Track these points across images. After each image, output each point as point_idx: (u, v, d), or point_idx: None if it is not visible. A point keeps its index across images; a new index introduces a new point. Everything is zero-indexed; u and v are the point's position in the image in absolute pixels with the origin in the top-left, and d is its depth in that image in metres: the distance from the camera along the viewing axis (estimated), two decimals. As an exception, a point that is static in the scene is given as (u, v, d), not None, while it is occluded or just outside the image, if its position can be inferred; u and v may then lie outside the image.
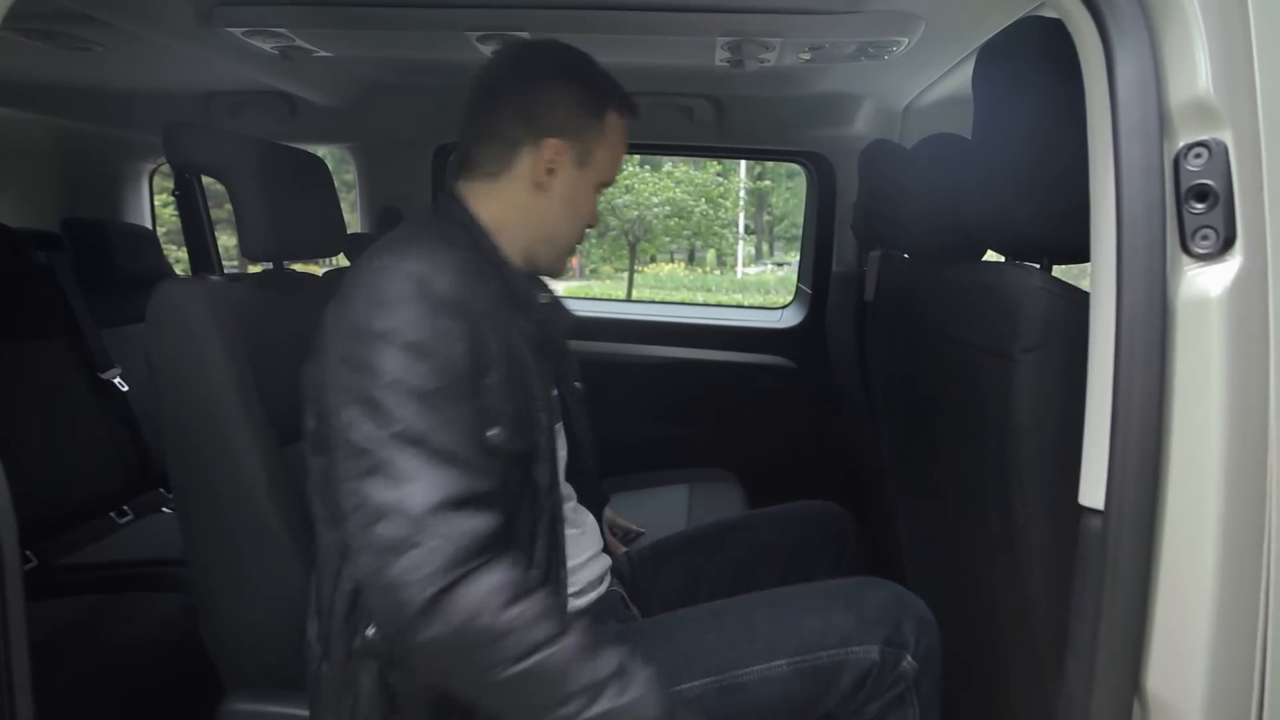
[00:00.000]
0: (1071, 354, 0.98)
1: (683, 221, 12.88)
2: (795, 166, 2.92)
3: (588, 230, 1.32)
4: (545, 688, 0.96)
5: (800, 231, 3.14)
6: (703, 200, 12.74)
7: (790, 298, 3.12)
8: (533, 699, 0.97)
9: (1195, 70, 0.84)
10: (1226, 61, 0.84)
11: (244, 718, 1.19)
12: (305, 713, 1.17)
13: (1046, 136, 1.07)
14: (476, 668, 0.96)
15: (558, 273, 1.32)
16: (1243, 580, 0.84)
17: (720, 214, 13.46)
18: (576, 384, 1.41)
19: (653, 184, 12.30)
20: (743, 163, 12.88)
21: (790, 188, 14.27)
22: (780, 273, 14.77)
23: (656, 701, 1.00)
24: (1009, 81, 1.14)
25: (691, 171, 12.66)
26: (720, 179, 13.05)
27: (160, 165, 3.03)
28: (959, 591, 1.39)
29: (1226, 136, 0.84)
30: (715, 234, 14.01)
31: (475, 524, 0.97)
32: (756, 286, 14.10)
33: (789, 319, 3.01)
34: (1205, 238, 0.84)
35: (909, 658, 1.20)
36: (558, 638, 0.97)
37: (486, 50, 1.90)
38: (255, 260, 1.30)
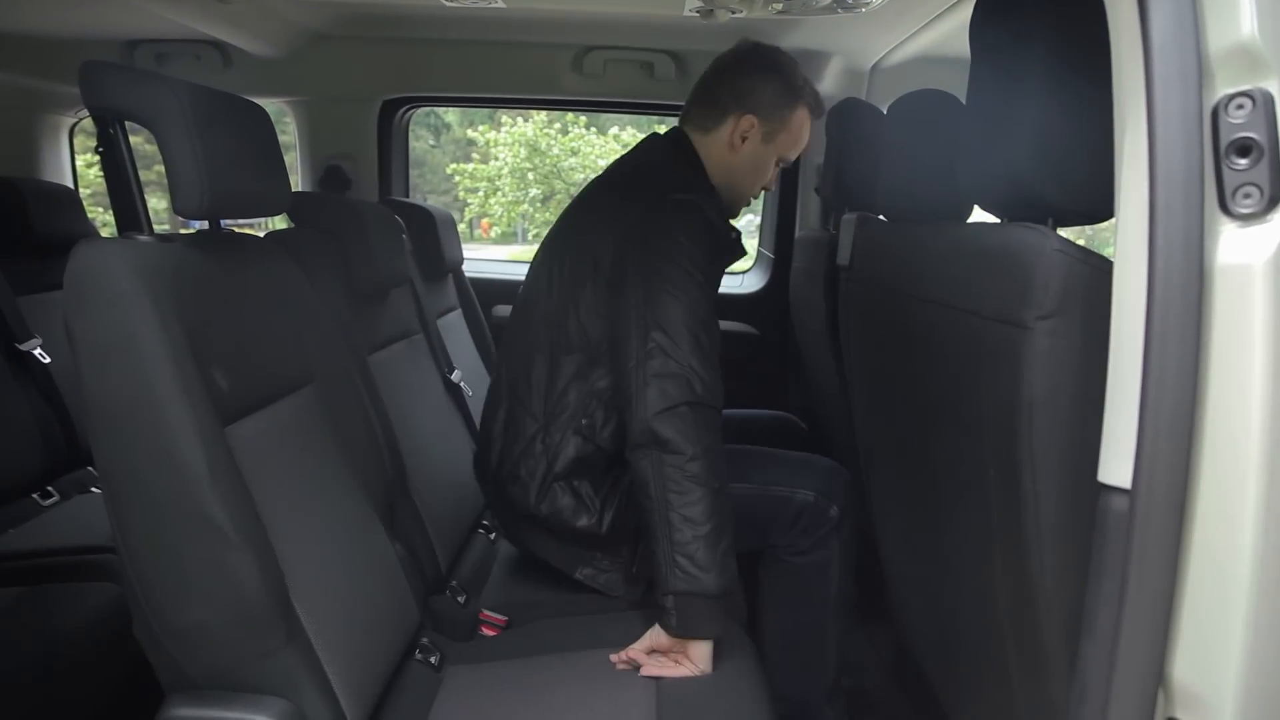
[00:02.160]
0: (1089, 322, 0.92)
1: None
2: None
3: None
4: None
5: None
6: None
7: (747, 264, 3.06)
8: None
9: (1238, 13, 0.77)
10: (1274, 2, 0.77)
11: None
12: (252, 716, 1.08)
13: (1056, 89, 1.00)
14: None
15: (733, 214, 1.74)
16: (1280, 564, 0.79)
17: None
18: None
19: (599, 147, 12.11)
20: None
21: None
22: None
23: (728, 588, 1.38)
24: (1013, 30, 1.07)
25: (640, 135, 12.49)
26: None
27: (81, 119, 2.83)
28: (947, 575, 1.34)
29: (1273, 85, 0.77)
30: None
31: None
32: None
33: (750, 284, 2.94)
34: (1248, 196, 0.78)
35: (835, 507, 1.72)
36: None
37: (443, -2, 1.77)
38: (191, 217, 1.17)
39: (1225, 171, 0.78)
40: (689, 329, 1.44)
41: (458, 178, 12.50)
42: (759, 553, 1.77)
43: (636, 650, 1.42)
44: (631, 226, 1.55)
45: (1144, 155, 0.80)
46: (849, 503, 1.74)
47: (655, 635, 1.41)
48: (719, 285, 1.64)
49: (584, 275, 1.60)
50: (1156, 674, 0.83)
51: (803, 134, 1.75)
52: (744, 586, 1.51)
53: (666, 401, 1.40)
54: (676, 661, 1.39)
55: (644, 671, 1.40)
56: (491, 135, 12.27)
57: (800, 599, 1.73)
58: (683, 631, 1.38)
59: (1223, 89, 0.79)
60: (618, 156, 1.85)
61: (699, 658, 1.38)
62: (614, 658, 1.43)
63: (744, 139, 1.69)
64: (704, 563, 1.36)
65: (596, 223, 1.64)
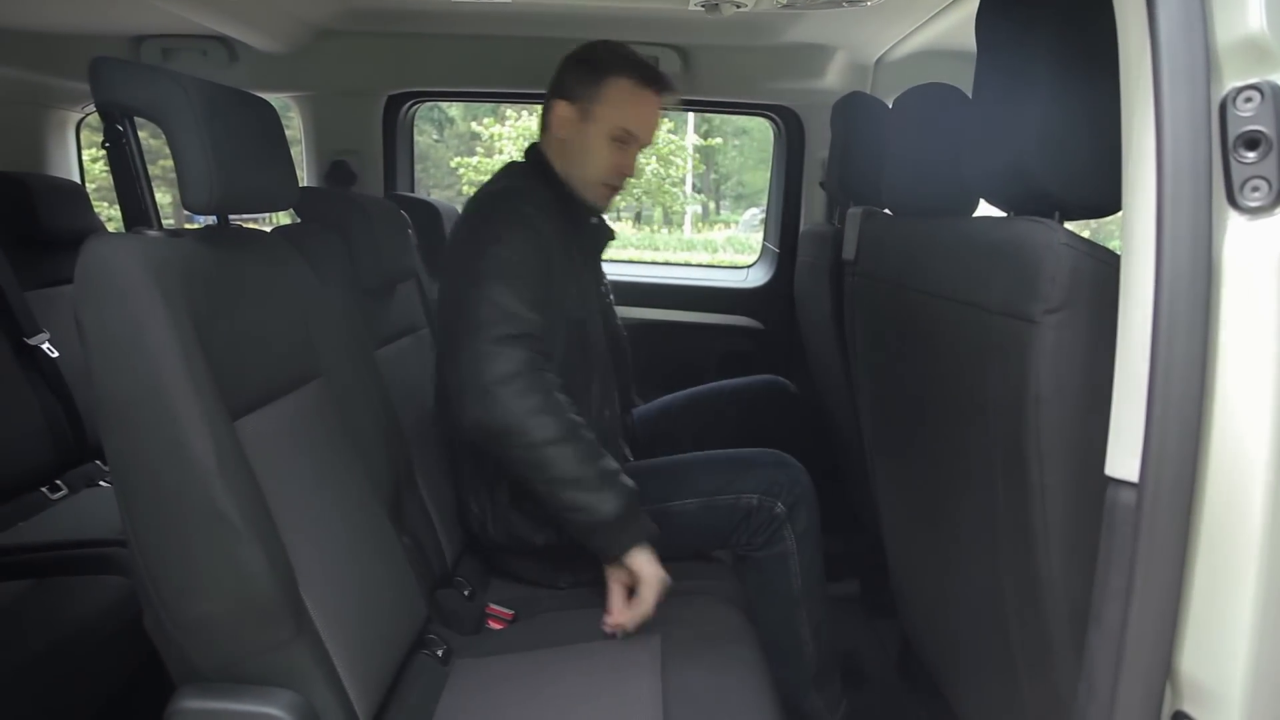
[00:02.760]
0: (1097, 316, 0.92)
1: (632, 180, 12.69)
2: (744, 124, 2.86)
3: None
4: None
5: (746, 190, 3.09)
6: (653, 158, 12.56)
7: (751, 258, 3.06)
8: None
9: (1246, 5, 0.77)
10: None
11: (196, 717, 1.08)
12: (262, 709, 1.08)
13: (1063, 82, 1.00)
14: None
15: (592, 202, 1.79)
16: (1289, 557, 0.79)
17: (671, 172, 13.30)
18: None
19: (602, 141, 12.10)
20: (690, 120, 12.72)
21: (738, 146, 14.15)
22: (728, 231, 14.69)
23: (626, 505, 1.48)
24: (1019, 24, 1.06)
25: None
26: (672, 135, 12.88)
27: (88, 114, 2.84)
28: (954, 569, 1.34)
29: None
30: (666, 193, 13.86)
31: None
32: (704, 246, 14.01)
33: (755, 278, 2.94)
34: (1256, 189, 0.77)
35: (779, 504, 1.75)
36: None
37: (445, -10, 1.77)
38: (199, 213, 1.17)
39: (1233, 164, 0.78)
40: (489, 319, 1.49)
41: (461, 171, 12.49)
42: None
43: (614, 612, 1.52)
44: (453, 236, 1.74)
45: (1151, 149, 0.80)
46: (799, 494, 1.77)
47: (611, 584, 1.53)
48: (595, 270, 1.87)
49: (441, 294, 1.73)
50: (1164, 667, 0.83)
51: (629, 104, 1.72)
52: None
53: (477, 388, 1.46)
54: (642, 596, 1.49)
55: (613, 621, 1.51)
56: (496, 129, 12.25)
57: (767, 592, 1.78)
58: (617, 553, 1.50)
59: (1230, 82, 0.78)
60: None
61: (643, 567, 1.49)
62: (606, 628, 1.52)
63: (564, 126, 1.73)
64: (585, 503, 1.48)
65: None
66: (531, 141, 1.83)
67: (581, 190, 1.76)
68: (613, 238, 1.92)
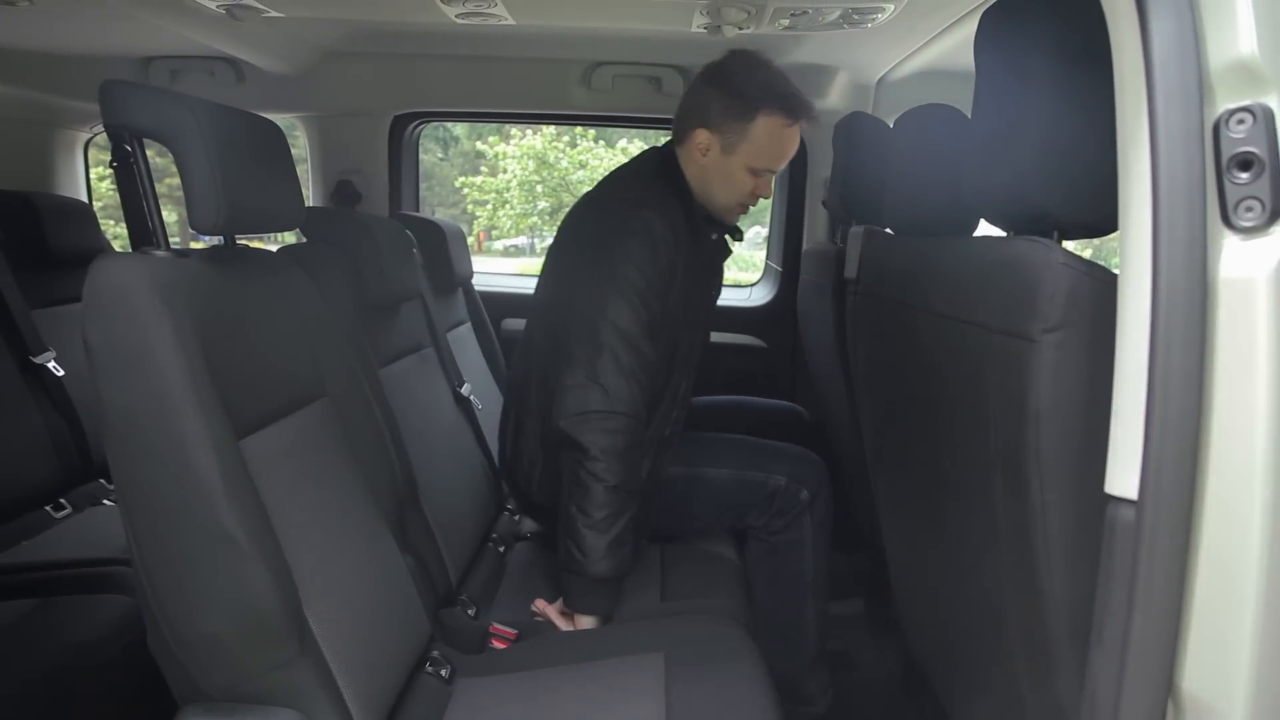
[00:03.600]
0: (1095, 334, 0.92)
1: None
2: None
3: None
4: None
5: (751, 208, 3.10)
6: (657, 177, 12.61)
7: (755, 276, 3.07)
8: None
9: (1238, 29, 0.78)
10: (1272, 19, 0.78)
11: None
12: None
13: (1060, 103, 1.01)
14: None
15: (724, 220, 1.86)
16: (1288, 574, 0.79)
17: (674, 191, 13.34)
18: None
19: (607, 160, 12.16)
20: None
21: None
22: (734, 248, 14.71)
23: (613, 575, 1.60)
24: (1017, 46, 1.08)
25: (645, 147, 12.51)
26: (676, 155, 12.92)
27: (96, 135, 2.87)
28: (956, 584, 1.34)
29: (1273, 100, 0.78)
30: (671, 211, 13.91)
31: None
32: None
33: (758, 297, 2.95)
34: (1249, 210, 0.78)
35: (805, 491, 1.90)
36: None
37: (451, 13, 1.79)
38: (206, 233, 1.18)
39: (1227, 185, 0.79)
40: (609, 344, 1.59)
41: (466, 190, 12.55)
42: (744, 535, 2.00)
43: (551, 606, 1.66)
44: (582, 231, 1.78)
45: (1147, 169, 0.81)
46: (821, 487, 1.93)
47: (556, 616, 1.65)
48: (707, 282, 1.89)
49: (560, 279, 1.80)
50: (1166, 684, 0.84)
51: (774, 141, 1.75)
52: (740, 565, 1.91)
53: (578, 408, 1.58)
54: (572, 624, 1.63)
55: (540, 608, 1.68)
56: (500, 148, 12.32)
57: (778, 575, 1.90)
58: (570, 605, 1.63)
59: (1223, 104, 0.80)
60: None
61: (581, 624, 1.62)
62: (534, 607, 1.68)
63: (705, 153, 1.76)
64: (588, 549, 1.57)
65: (566, 229, 1.85)
66: (667, 142, 1.85)
67: (716, 211, 1.82)
68: (730, 254, 1.98)
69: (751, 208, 1.86)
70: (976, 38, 1.17)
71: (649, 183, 1.78)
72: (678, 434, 1.87)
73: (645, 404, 1.62)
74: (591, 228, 1.76)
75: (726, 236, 1.93)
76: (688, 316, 1.78)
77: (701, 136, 1.75)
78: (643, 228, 1.65)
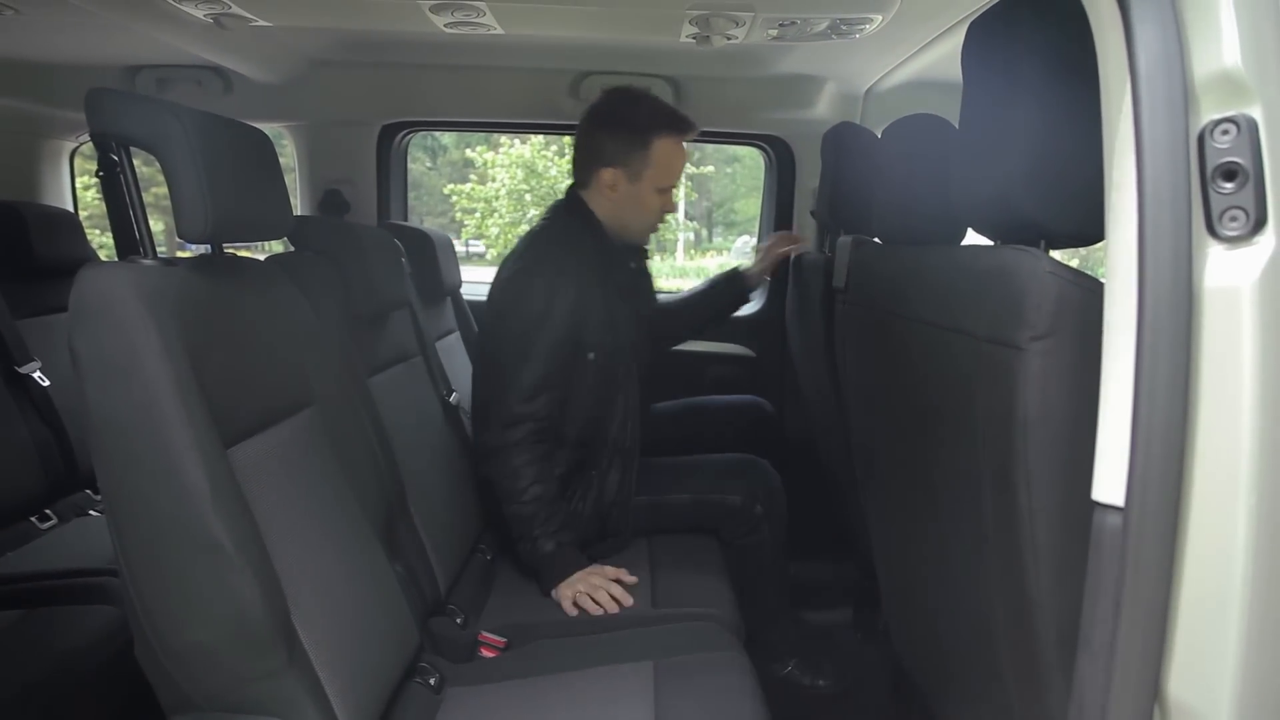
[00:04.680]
0: (1082, 342, 0.93)
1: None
2: (736, 152, 2.90)
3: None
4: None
5: (738, 218, 3.11)
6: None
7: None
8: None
9: (1221, 41, 0.79)
10: (1255, 31, 0.79)
11: None
12: None
13: (1047, 113, 1.02)
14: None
15: (639, 243, 2.09)
16: (1273, 579, 0.79)
17: (664, 200, 13.37)
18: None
19: (595, 170, 12.19)
20: (684, 149, 12.82)
21: (729, 173, 14.26)
22: (720, 259, 14.77)
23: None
24: (1004, 56, 1.09)
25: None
26: (667, 165, 12.96)
27: (82, 144, 2.85)
28: (944, 592, 1.34)
29: (1256, 111, 0.79)
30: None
31: None
32: (696, 273, 14.07)
33: (746, 307, 2.95)
34: (1234, 219, 0.79)
35: (758, 505, 2.09)
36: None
37: (439, 22, 1.80)
38: (193, 241, 1.18)
39: (1212, 195, 0.80)
40: (514, 388, 1.83)
41: (455, 198, 12.55)
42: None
43: (606, 604, 1.76)
44: (494, 295, 1.96)
45: (1132, 179, 0.82)
46: (772, 496, 2.14)
47: (567, 605, 1.76)
48: (632, 306, 2.02)
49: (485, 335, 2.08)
50: (1152, 689, 0.84)
51: (673, 158, 1.94)
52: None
53: (494, 440, 1.84)
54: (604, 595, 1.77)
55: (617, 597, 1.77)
56: (489, 156, 12.33)
57: (743, 561, 2.11)
58: (545, 586, 1.81)
59: (1208, 115, 0.80)
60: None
61: (565, 596, 1.77)
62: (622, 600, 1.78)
63: (613, 188, 1.93)
64: (533, 537, 1.81)
65: (493, 287, 2.01)
66: (570, 188, 2.02)
67: (632, 237, 2.03)
68: (649, 279, 2.20)
69: (660, 225, 2.05)
70: (964, 48, 1.18)
71: (557, 236, 1.96)
72: (637, 445, 2.01)
73: (548, 419, 1.85)
74: (507, 275, 1.94)
75: (645, 264, 2.17)
76: (619, 340, 1.94)
77: (607, 175, 1.92)
78: (554, 265, 1.86)
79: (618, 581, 1.79)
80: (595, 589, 1.75)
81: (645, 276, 2.20)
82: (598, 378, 1.91)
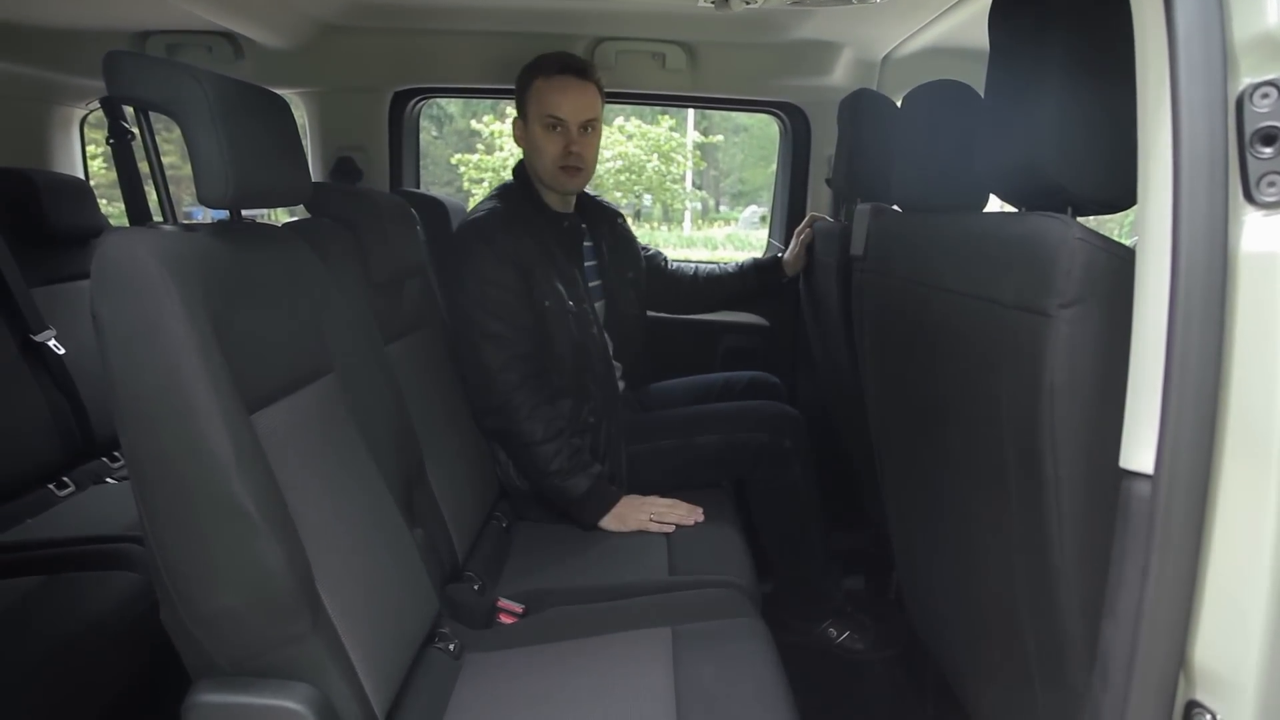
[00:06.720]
0: (1110, 310, 0.92)
1: (634, 177, 12.68)
2: (744, 121, 2.87)
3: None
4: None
5: (746, 187, 3.10)
6: (655, 156, 12.55)
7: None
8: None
9: (1264, 2, 0.78)
10: None
11: (213, 710, 1.09)
12: (279, 702, 1.09)
13: (1077, 79, 1.01)
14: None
15: (560, 190, 2.14)
16: (1304, 548, 0.79)
17: (671, 169, 13.29)
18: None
19: (605, 137, 12.06)
20: (690, 117, 12.71)
21: (738, 142, 14.14)
22: (728, 229, 14.69)
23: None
24: (1033, 21, 1.07)
25: (644, 126, 12.45)
26: (673, 132, 12.86)
27: (91, 110, 2.84)
28: (964, 562, 1.35)
29: None
30: (666, 189, 13.85)
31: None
32: (704, 243, 14.00)
33: None
34: (1272, 185, 0.78)
35: (787, 440, 2.14)
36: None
37: (453, -15, 1.77)
38: (214, 207, 1.17)
39: (1250, 160, 0.79)
40: (485, 350, 1.97)
41: (462, 168, 12.47)
42: (742, 486, 2.24)
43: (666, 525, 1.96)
44: (450, 270, 2.08)
45: (1168, 144, 0.81)
46: (800, 435, 2.18)
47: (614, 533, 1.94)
48: (568, 268, 2.08)
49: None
50: (1178, 657, 0.84)
51: (550, 91, 2.05)
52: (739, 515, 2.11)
53: (484, 405, 2.01)
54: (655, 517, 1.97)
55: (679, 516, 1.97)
56: (496, 126, 12.23)
57: (780, 504, 2.17)
58: (589, 523, 1.96)
59: (1247, 78, 0.79)
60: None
61: (612, 525, 1.95)
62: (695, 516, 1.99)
63: (521, 137, 2.13)
64: (564, 488, 1.94)
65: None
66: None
67: (547, 182, 2.11)
68: (583, 232, 2.23)
69: (579, 170, 2.09)
70: (991, 12, 1.17)
71: (495, 197, 2.13)
72: (616, 396, 2.16)
73: (532, 376, 1.97)
74: (453, 254, 2.07)
75: (578, 217, 2.23)
76: (574, 297, 2.06)
77: (515, 127, 2.14)
78: (484, 241, 2.00)
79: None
80: (663, 514, 1.94)
81: (626, 240, 2.35)
82: (558, 323, 2.03)
